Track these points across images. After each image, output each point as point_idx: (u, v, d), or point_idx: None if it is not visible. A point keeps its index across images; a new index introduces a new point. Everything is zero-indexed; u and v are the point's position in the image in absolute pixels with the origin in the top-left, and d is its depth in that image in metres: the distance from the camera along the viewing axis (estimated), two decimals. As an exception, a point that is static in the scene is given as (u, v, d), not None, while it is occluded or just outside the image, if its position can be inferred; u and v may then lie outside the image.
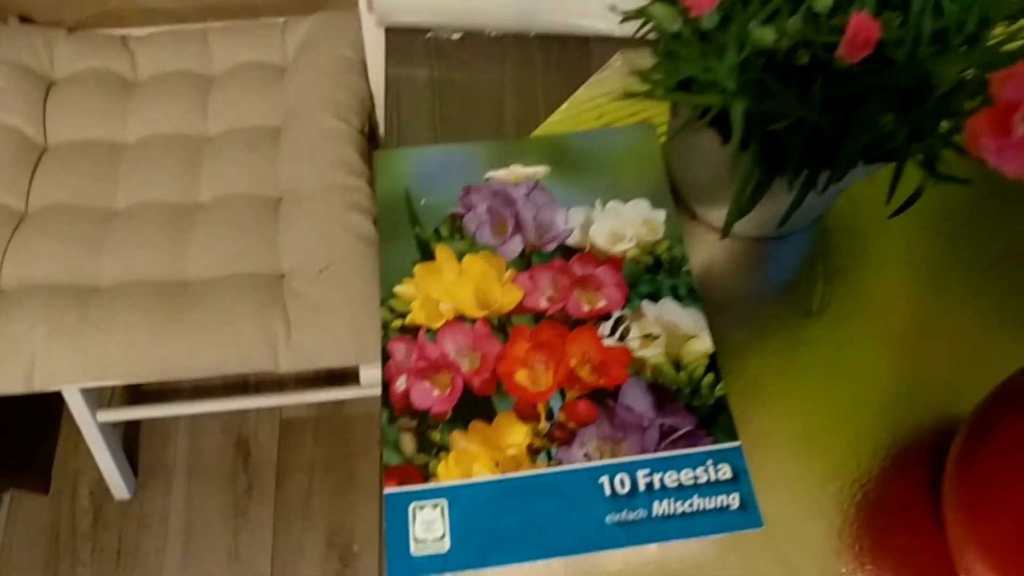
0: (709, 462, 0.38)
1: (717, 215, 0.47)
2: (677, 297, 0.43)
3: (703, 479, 0.37)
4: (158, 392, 1.26)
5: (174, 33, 1.09)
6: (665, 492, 0.37)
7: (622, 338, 0.42)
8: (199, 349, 0.87)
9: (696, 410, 0.40)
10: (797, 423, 0.44)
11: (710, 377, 0.40)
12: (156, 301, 0.88)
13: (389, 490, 0.37)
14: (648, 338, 0.42)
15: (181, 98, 1.05)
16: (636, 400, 0.40)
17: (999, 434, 0.35)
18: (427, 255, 0.44)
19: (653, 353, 0.41)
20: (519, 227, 0.45)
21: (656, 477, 0.37)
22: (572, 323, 0.42)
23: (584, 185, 0.46)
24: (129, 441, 1.24)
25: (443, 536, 0.36)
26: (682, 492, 0.37)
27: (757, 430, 0.44)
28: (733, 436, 0.38)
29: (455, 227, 0.45)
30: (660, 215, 0.45)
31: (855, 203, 0.49)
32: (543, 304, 0.42)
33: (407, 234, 0.44)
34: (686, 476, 0.37)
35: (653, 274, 0.43)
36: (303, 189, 0.96)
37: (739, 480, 0.37)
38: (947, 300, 0.46)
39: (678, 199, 0.49)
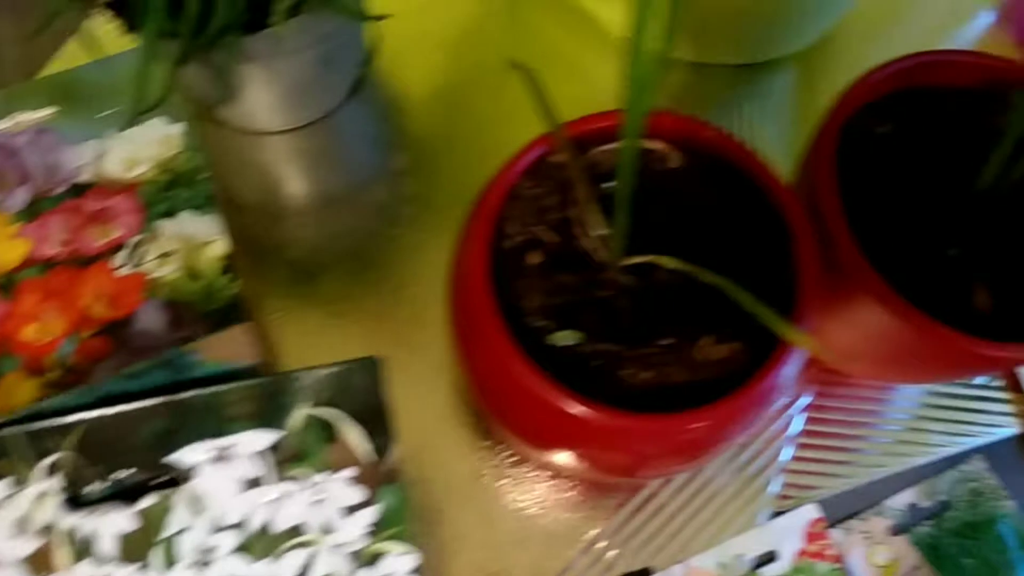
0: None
1: (237, 115, 0.45)
2: (195, 207, 0.41)
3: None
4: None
5: None
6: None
7: (138, 264, 0.40)
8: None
9: (211, 315, 0.39)
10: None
11: (226, 278, 0.39)
12: None
13: None
14: (164, 256, 0.40)
15: None
16: (150, 322, 0.39)
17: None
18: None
19: (170, 270, 0.40)
20: (25, 177, 0.42)
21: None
22: (85, 262, 0.40)
23: (97, 118, 0.44)
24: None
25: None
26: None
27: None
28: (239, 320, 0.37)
29: (-47, 195, 0.42)
30: (177, 129, 0.43)
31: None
32: (54, 251, 0.40)
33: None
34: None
35: (170, 191, 0.42)
36: None
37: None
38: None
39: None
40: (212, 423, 0.30)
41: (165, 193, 0.42)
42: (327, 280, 0.43)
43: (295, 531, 0.30)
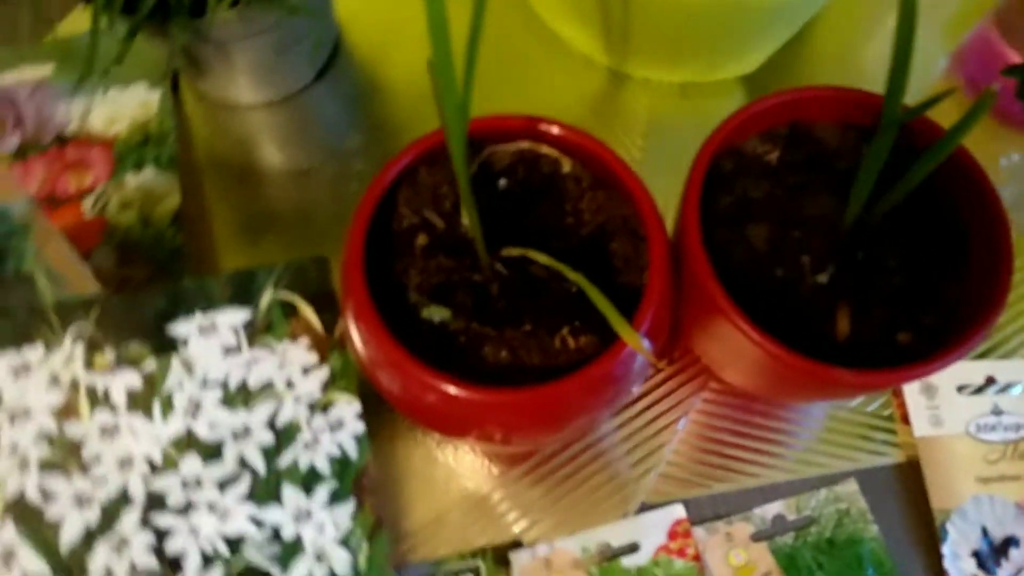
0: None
1: (211, 88, 0.50)
2: (159, 165, 0.46)
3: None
4: None
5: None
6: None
7: (102, 209, 0.45)
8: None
9: (156, 259, 0.43)
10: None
11: (172, 229, 0.44)
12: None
13: None
14: (125, 206, 0.45)
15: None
16: (103, 260, 0.43)
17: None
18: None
19: (127, 217, 0.44)
20: (19, 123, 0.48)
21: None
22: (58, 203, 0.45)
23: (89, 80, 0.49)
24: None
25: None
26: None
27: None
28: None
29: (-42, 133, 0.47)
30: (156, 95, 0.48)
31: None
32: (34, 190, 0.45)
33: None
34: None
35: (141, 148, 0.46)
36: None
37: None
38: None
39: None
40: (201, 303, 0.36)
41: (136, 150, 0.46)
42: (268, 241, 0.47)
43: (266, 387, 0.36)
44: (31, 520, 0.33)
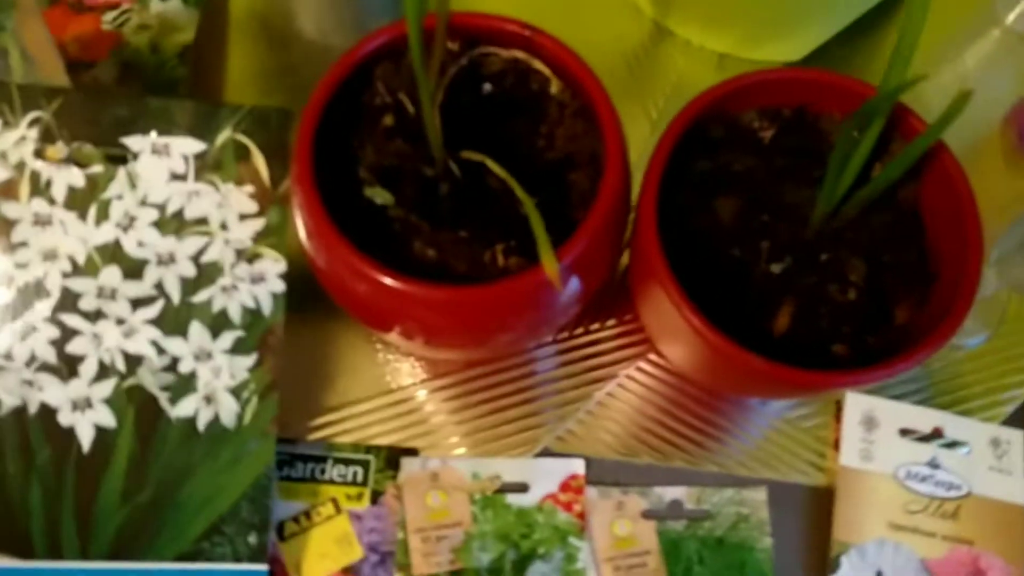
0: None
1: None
2: (186, 0, 0.46)
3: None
4: None
5: None
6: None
7: (119, 26, 0.46)
8: None
9: (153, 85, 0.44)
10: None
11: (176, 60, 0.44)
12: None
13: None
14: (142, 27, 0.46)
15: None
16: (105, 72, 0.44)
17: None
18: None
19: (139, 39, 0.45)
20: (70, -74, 0.48)
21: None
22: (83, 8, 0.46)
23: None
24: None
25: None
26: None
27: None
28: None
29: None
30: (204, -69, 0.48)
31: None
32: (63, -9, 0.46)
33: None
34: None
35: (172, -22, 0.47)
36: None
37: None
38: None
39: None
40: (161, 124, 0.36)
41: (168, -22, 0.47)
42: (273, 100, 0.47)
43: (200, 221, 0.36)
44: (-51, 283, 0.34)
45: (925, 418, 0.41)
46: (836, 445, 0.41)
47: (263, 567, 0.37)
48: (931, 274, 0.35)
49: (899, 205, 0.36)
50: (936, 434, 0.41)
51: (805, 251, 0.35)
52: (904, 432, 0.41)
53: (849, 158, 0.31)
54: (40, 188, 0.35)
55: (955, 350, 0.43)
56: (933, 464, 0.41)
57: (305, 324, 0.42)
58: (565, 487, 0.40)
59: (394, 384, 0.43)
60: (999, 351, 0.43)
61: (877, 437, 0.41)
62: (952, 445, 0.41)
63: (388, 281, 0.31)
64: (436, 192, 0.35)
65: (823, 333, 0.34)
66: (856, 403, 0.41)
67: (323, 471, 0.41)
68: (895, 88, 0.28)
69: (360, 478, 0.41)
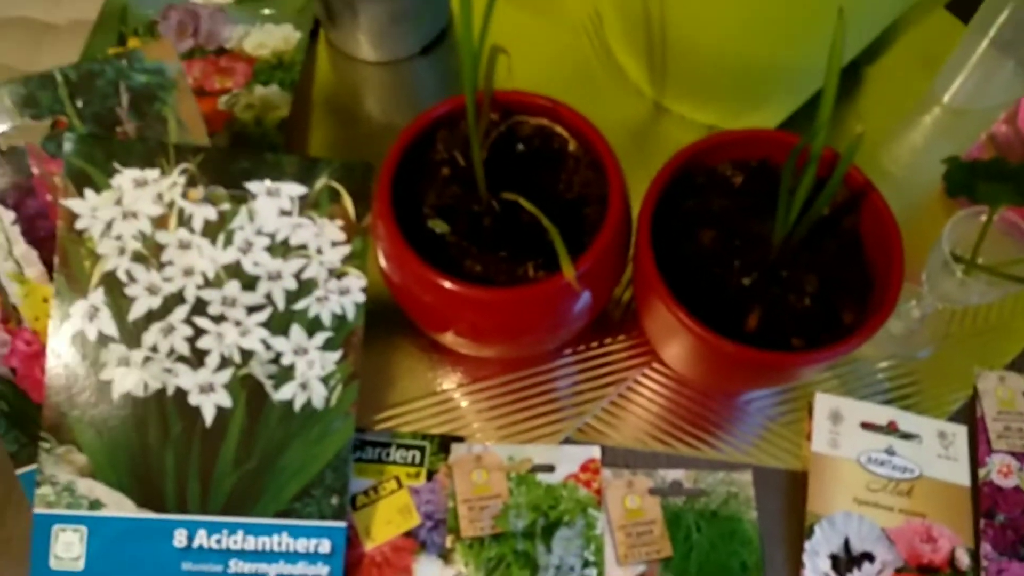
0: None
1: (338, 39, 0.63)
2: (282, 85, 0.59)
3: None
4: None
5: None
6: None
7: (231, 107, 0.58)
8: None
9: (258, 145, 0.56)
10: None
11: (276, 131, 0.56)
12: None
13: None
14: (248, 107, 0.58)
15: None
16: (220, 142, 0.56)
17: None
18: (122, 43, 0.61)
19: (247, 116, 0.58)
20: (195, 33, 0.62)
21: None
22: (204, 94, 0.59)
23: (256, 12, 0.63)
24: None
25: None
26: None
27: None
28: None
29: (149, 28, 0.62)
30: (298, 35, 0.61)
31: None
32: (190, 81, 0.59)
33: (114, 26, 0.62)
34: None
35: (273, 70, 0.60)
36: None
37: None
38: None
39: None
40: (274, 173, 0.47)
41: (269, 71, 0.60)
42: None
43: (301, 247, 0.46)
44: (115, 292, 0.45)
45: (882, 414, 0.50)
46: (809, 436, 0.50)
47: (343, 523, 0.46)
48: (869, 284, 0.44)
49: (843, 233, 0.45)
50: (892, 427, 0.50)
51: (769, 269, 0.44)
52: (865, 425, 0.50)
53: (793, 194, 0.41)
54: (183, 220, 0.46)
55: (908, 360, 0.52)
56: (890, 451, 0.49)
57: (376, 339, 0.52)
58: (585, 468, 0.49)
59: (445, 386, 0.52)
60: (944, 361, 0.52)
61: (842, 429, 0.49)
62: (906, 437, 0.49)
63: (448, 285, 0.42)
64: (482, 223, 0.46)
65: (784, 331, 0.43)
66: (824, 402, 0.50)
67: (388, 454, 0.50)
68: (803, 143, 0.39)
69: (418, 460, 0.50)
